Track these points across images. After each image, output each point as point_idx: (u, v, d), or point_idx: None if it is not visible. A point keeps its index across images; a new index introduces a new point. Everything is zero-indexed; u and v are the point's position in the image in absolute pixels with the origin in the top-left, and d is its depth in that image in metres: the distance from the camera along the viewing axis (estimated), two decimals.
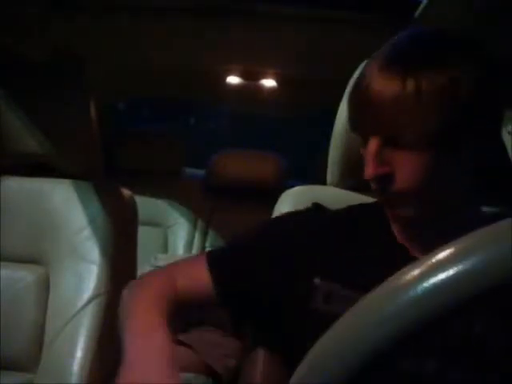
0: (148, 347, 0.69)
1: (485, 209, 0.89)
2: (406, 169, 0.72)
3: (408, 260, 0.64)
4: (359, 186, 0.98)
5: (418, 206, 0.74)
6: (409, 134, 0.70)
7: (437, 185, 0.72)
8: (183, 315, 0.89)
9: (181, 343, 1.35)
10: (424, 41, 0.73)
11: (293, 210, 0.94)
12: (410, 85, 0.68)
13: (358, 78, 0.76)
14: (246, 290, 0.84)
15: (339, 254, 0.81)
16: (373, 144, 0.73)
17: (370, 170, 0.74)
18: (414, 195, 0.73)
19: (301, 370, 0.36)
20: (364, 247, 0.81)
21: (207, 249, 2.28)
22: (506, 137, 1.13)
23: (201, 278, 0.84)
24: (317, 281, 0.79)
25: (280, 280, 0.82)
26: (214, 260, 0.86)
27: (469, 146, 0.72)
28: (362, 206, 0.89)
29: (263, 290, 0.83)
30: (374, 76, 0.72)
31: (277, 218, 0.93)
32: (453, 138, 0.70)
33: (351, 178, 1.02)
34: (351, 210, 0.88)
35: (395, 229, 0.82)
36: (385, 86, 0.70)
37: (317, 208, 0.91)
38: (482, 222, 0.73)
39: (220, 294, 0.83)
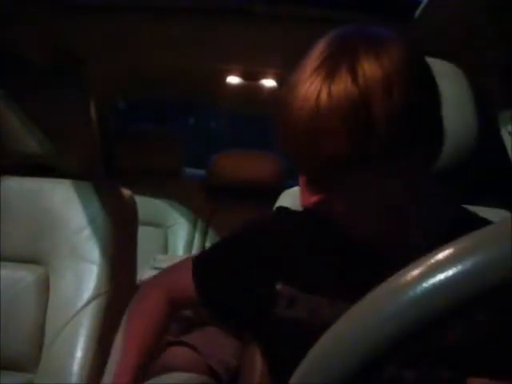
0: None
1: (482, 208, 0.88)
2: (341, 193, 0.67)
3: (371, 262, 0.63)
4: None
5: (367, 224, 0.70)
6: (330, 161, 0.64)
7: (383, 200, 0.68)
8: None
9: (185, 344, 1.37)
10: (338, 44, 0.66)
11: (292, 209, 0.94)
12: (324, 98, 0.62)
13: (280, 97, 0.69)
14: (222, 292, 0.85)
15: (301, 257, 0.80)
16: (301, 178, 0.70)
17: (303, 201, 0.70)
18: (358, 216, 0.69)
19: (301, 369, 0.36)
20: (325, 249, 0.79)
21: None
22: (505, 137, 1.13)
23: (187, 282, 0.87)
24: (279, 286, 0.78)
25: (248, 284, 0.82)
26: (197, 263, 0.88)
27: (411, 150, 0.66)
28: None
29: (236, 293, 0.84)
30: (291, 94, 0.66)
31: (248, 221, 0.89)
32: (379, 152, 0.63)
33: None
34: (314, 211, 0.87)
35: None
36: (301, 105, 0.63)
37: (281, 211, 0.88)
38: (451, 221, 0.72)
39: (201, 295, 0.86)
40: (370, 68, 0.62)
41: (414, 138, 0.65)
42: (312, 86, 0.63)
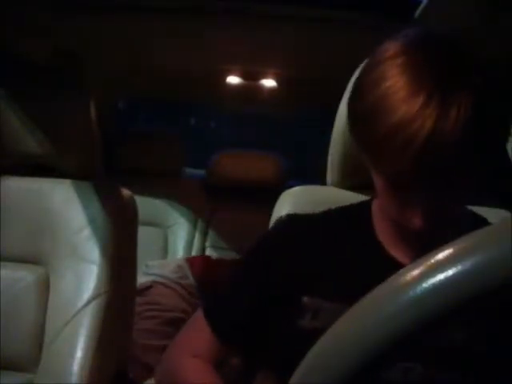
0: None
1: (482, 209, 0.89)
2: (457, 206, 0.71)
3: (395, 266, 0.64)
4: (359, 185, 0.98)
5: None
6: (466, 174, 0.66)
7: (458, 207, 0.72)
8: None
9: None
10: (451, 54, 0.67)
11: (292, 209, 0.93)
12: (466, 114, 0.62)
13: (395, 115, 0.62)
14: (242, 330, 0.85)
15: (323, 267, 0.79)
16: (432, 199, 0.67)
17: (424, 223, 0.67)
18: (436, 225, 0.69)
19: (301, 369, 0.36)
20: (348, 256, 0.79)
21: (207, 249, 2.29)
22: None
23: (207, 337, 0.86)
24: (305, 299, 0.77)
25: (270, 307, 0.81)
26: (210, 314, 0.87)
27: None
28: (342, 209, 0.86)
29: (256, 322, 0.83)
30: (425, 110, 0.61)
31: (257, 244, 0.88)
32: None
33: (351, 177, 1.02)
34: (329, 216, 0.85)
35: (384, 236, 0.79)
36: (453, 124, 0.61)
37: (292, 220, 0.86)
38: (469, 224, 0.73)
39: (221, 341, 0.86)
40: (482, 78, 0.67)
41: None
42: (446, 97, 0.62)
